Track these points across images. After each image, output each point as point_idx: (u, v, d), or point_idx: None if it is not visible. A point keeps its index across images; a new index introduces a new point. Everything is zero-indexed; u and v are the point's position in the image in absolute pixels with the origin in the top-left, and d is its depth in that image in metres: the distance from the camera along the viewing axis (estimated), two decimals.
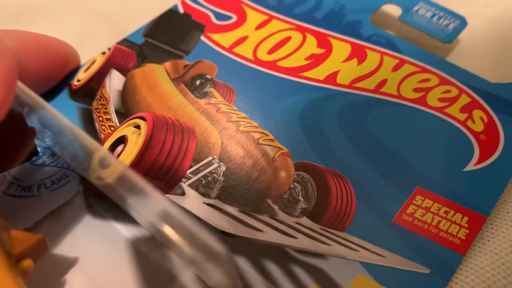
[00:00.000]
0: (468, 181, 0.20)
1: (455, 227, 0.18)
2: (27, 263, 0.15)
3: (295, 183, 0.20)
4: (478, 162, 0.20)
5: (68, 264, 0.17)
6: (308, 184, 0.20)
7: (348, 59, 0.24)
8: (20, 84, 0.17)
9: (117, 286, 0.17)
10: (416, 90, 0.23)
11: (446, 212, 0.19)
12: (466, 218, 0.19)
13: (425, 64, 0.24)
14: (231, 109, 0.22)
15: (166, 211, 0.14)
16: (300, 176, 0.20)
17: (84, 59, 0.24)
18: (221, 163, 0.20)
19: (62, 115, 0.16)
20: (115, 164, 0.15)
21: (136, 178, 0.14)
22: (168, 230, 0.14)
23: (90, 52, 0.25)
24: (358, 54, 0.25)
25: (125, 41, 0.25)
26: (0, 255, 0.14)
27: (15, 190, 0.19)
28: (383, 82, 0.23)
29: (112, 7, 0.27)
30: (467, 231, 0.18)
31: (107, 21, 0.25)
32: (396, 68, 0.24)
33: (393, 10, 0.28)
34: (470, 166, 0.20)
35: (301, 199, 0.19)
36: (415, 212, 0.19)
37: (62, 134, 0.18)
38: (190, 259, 0.15)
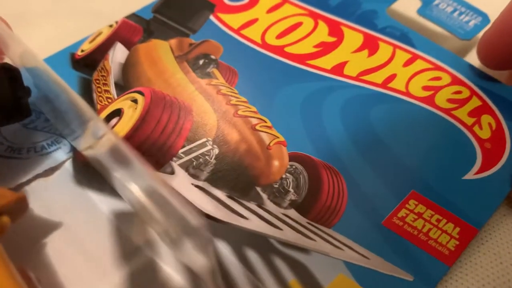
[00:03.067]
0: (465, 190, 0.19)
1: (445, 236, 0.18)
2: (4, 219, 0.15)
3: (287, 174, 0.19)
4: (479, 172, 0.19)
5: (49, 227, 0.17)
6: (301, 176, 0.19)
7: (359, 50, 0.24)
8: (27, 46, 0.17)
9: (98, 253, 0.17)
10: (425, 88, 0.22)
11: (438, 220, 0.18)
12: (458, 229, 0.18)
13: (438, 61, 0.23)
14: (232, 92, 0.22)
15: (152, 185, 0.14)
16: (293, 167, 0.19)
17: None
18: (215, 146, 0.20)
19: (62, 80, 0.16)
20: (109, 135, 0.15)
21: (128, 150, 0.14)
22: (150, 203, 0.14)
23: None
24: (369, 45, 0.24)
25: (134, 16, 0.25)
26: None
27: (5, 151, 0.19)
28: (392, 77, 0.22)
29: (113, 9, 0.27)
30: (457, 243, 0.17)
31: (108, 22, 0.25)
32: (407, 63, 0.23)
33: (412, 2, 0.26)
34: (470, 175, 0.19)
35: (291, 190, 0.19)
36: (407, 216, 0.18)
37: (59, 101, 0.18)
38: (168, 234, 0.15)
